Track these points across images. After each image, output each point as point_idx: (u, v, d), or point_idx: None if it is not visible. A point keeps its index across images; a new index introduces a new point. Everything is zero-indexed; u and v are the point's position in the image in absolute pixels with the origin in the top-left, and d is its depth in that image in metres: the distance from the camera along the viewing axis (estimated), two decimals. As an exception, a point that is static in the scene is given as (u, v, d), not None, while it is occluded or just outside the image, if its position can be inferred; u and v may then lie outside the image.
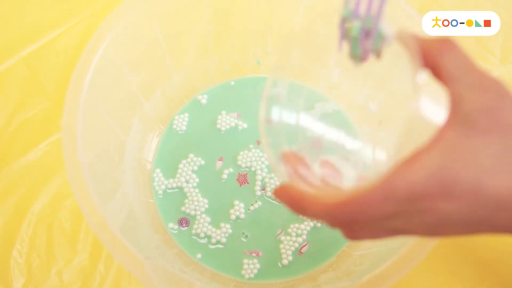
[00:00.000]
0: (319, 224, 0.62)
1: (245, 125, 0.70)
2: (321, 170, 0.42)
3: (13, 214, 0.64)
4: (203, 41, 0.68)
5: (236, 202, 0.64)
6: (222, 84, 0.73)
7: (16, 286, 0.60)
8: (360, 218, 0.31)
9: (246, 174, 0.66)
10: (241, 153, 0.67)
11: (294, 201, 0.35)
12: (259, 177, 0.65)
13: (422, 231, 0.32)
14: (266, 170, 0.66)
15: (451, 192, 0.29)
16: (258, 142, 0.68)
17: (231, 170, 0.66)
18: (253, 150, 0.67)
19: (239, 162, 0.66)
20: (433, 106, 0.34)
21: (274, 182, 0.65)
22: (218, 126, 0.69)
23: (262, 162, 0.66)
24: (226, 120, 0.70)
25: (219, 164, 0.67)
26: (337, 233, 0.61)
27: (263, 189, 0.65)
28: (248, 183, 0.65)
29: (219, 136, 0.69)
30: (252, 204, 0.64)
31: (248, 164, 0.66)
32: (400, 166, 0.30)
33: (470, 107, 0.30)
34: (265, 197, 0.64)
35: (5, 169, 0.66)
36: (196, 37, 0.68)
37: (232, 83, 0.73)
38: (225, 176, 0.66)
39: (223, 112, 0.70)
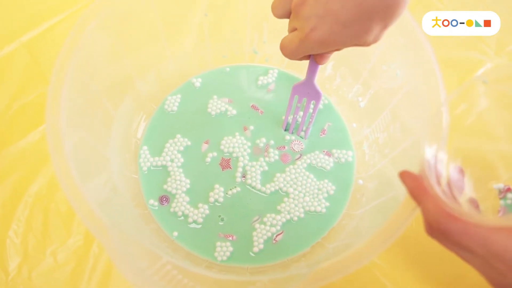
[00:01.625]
0: (295, 218, 0.63)
1: (234, 112, 0.70)
2: (453, 172, 0.47)
3: (11, 195, 0.65)
4: (201, 25, 0.69)
5: (217, 185, 0.64)
6: (217, 69, 0.74)
7: (12, 265, 0.61)
8: (454, 237, 0.38)
9: (229, 159, 0.67)
10: (226, 138, 0.68)
11: (415, 189, 0.42)
12: (240, 164, 0.66)
13: (485, 276, 0.38)
14: (248, 157, 0.67)
15: None
16: (245, 128, 0.69)
17: (215, 154, 0.67)
18: (238, 137, 0.68)
19: (222, 147, 0.67)
20: None
21: (255, 170, 0.65)
22: (209, 110, 0.70)
23: (245, 150, 0.67)
24: (217, 105, 0.70)
25: (204, 146, 0.67)
26: (312, 227, 0.62)
27: (244, 176, 0.65)
28: (230, 168, 0.66)
29: (209, 119, 0.70)
30: (231, 189, 0.65)
31: (231, 149, 0.67)
32: (507, 232, 0.36)
33: None
34: (245, 185, 0.65)
35: (4, 151, 0.68)
36: (194, 21, 0.68)
37: (227, 69, 0.74)
38: (208, 160, 0.66)
39: (215, 96, 0.71)
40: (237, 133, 0.68)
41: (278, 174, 0.65)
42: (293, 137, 0.68)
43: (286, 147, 0.68)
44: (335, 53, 0.67)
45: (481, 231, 0.36)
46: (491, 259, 0.36)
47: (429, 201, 0.40)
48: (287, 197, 0.64)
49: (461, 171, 0.48)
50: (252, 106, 0.71)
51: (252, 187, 0.65)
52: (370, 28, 0.43)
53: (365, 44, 0.45)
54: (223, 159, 0.67)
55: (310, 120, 0.67)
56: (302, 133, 0.69)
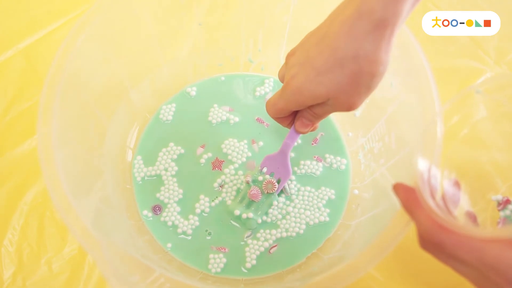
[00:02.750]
0: (294, 234, 0.62)
1: (237, 119, 0.70)
2: (448, 186, 0.46)
3: (6, 203, 0.65)
4: (195, 34, 0.69)
5: (202, 196, 0.64)
6: (212, 78, 0.73)
7: (6, 274, 0.61)
8: (448, 250, 0.37)
9: (223, 161, 0.66)
10: (230, 139, 0.68)
11: (408, 202, 0.41)
12: (226, 170, 0.65)
13: None
14: (237, 165, 0.66)
15: None
16: (253, 142, 0.68)
17: (210, 154, 0.67)
18: (242, 144, 0.68)
19: (223, 146, 0.67)
20: None
21: (232, 185, 0.65)
22: (210, 118, 0.70)
23: (239, 159, 0.66)
24: (218, 113, 0.70)
25: (200, 150, 0.67)
26: (308, 238, 0.62)
27: (221, 186, 0.65)
28: (220, 169, 0.66)
29: (209, 127, 0.69)
30: (213, 200, 0.64)
31: (230, 151, 0.67)
32: (501, 244, 0.35)
33: None
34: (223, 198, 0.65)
35: (0, 159, 0.68)
36: (189, 29, 0.68)
37: (222, 78, 0.73)
38: (203, 161, 0.66)
39: (215, 105, 0.70)
40: (245, 141, 0.68)
41: (270, 210, 0.64)
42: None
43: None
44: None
45: (474, 243, 0.36)
46: (486, 271, 0.35)
47: (422, 213, 0.40)
48: (288, 215, 0.63)
49: (457, 184, 0.47)
50: (258, 119, 0.70)
51: (226, 205, 0.64)
52: (341, 80, 0.44)
53: (337, 100, 0.46)
54: (217, 159, 0.67)
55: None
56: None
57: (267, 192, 0.62)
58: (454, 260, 0.38)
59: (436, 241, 0.38)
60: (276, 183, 0.61)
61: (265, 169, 0.62)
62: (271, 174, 0.62)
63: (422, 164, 0.42)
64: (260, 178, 0.62)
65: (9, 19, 0.79)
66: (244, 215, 0.61)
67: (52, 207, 0.65)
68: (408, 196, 0.42)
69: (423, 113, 0.50)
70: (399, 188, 0.43)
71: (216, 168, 0.66)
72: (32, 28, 0.77)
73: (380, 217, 0.54)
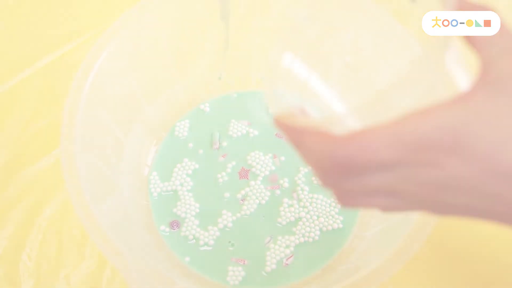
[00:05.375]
0: (311, 240, 0.63)
1: (256, 132, 0.71)
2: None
3: (24, 219, 0.66)
4: (208, 53, 0.70)
5: (224, 211, 0.65)
6: (224, 96, 0.75)
7: None
8: (360, 159, 0.27)
9: (249, 170, 0.68)
10: (257, 151, 0.69)
11: (294, 131, 0.31)
12: (252, 183, 0.66)
13: (422, 194, 0.28)
14: (260, 179, 0.67)
15: (464, 151, 0.25)
16: (275, 156, 0.69)
17: (233, 163, 0.68)
18: (268, 157, 0.69)
19: (248, 157, 0.68)
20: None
21: (255, 198, 0.66)
22: (230, 132, 0.71)
23: (262, 172, 0.67)
24: (238, 127, 0.71)
25: (221, 159, 0.69)
26: (323, 248, 0.63)
27: (242, 200, 0.66)
28: (247, 178, 0.67)
29: (230, 140, 0.71)
30: (238, 212, 0.65)
31: (254, 163, 0.68)
32: (412, 115, 0.26)
33: (502, 72, 0.27)
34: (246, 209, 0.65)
35: (18, 175, 0.68)
36: (202, 48, 0.70)
37: (235, 95, 0.75)
38: (229, 170, 0.67)
39: (233, 120, 0.72)
40: (270, 154, 0.69)
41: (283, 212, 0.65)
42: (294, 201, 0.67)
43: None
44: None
45: (395, 127, 0.26)
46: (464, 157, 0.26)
47: (310, 136, 0.30)
48: (300, 221, 0.64)
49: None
50: (277, 134, 0.71)
51: (247, 215, 0.65)
52: None
53: None
54: (243, 168, 0.68)
55: None
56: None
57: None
58: (382, 174, 0.28)
59: (341, 156, 0.27)
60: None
61: None
62: None
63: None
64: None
65: (27, 38, 0.81)
66: None
67: (70, 223, 0.66)
68: (293, 127, 0.31)
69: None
70: (282, 123, 0.33)
71: (244, 178, 0.67)
72: (50, 47, 0.79)
73: (395, 228, 0.54)
